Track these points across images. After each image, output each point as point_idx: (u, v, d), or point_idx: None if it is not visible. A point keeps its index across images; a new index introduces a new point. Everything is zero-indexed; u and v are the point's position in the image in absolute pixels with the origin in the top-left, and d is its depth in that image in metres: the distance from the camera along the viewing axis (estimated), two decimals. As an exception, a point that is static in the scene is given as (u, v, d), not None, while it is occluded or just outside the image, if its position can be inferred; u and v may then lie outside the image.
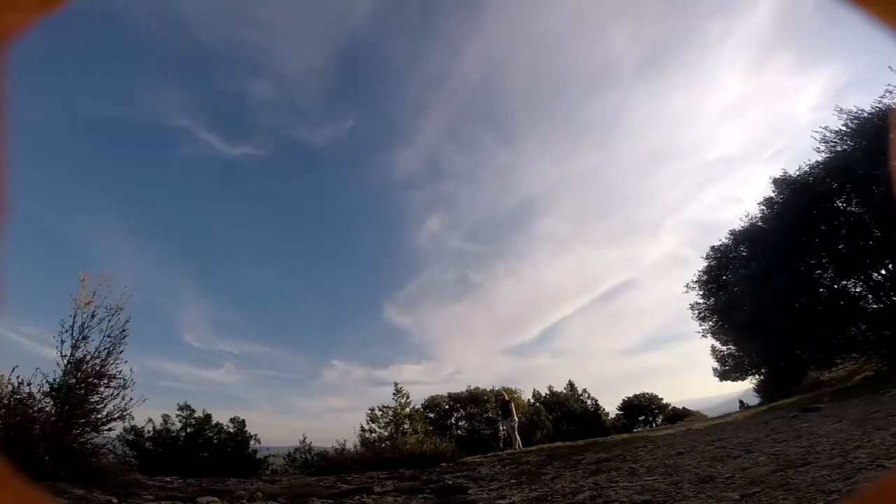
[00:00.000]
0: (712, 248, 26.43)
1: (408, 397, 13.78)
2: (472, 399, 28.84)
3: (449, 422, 28.66)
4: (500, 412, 16.95)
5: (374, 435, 12.72)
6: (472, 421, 27.85)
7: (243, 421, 11.81)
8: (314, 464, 10.35)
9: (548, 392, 24.72)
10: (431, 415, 28.82)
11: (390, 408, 13.32)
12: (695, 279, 28.02)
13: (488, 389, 29.12)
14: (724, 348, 41.33)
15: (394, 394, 13.52)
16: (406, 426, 13.18)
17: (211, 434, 11.17)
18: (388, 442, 11.03)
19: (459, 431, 27.93)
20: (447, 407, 29.05)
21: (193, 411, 11.10)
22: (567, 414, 21.50)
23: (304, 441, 11.71)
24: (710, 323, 26.57)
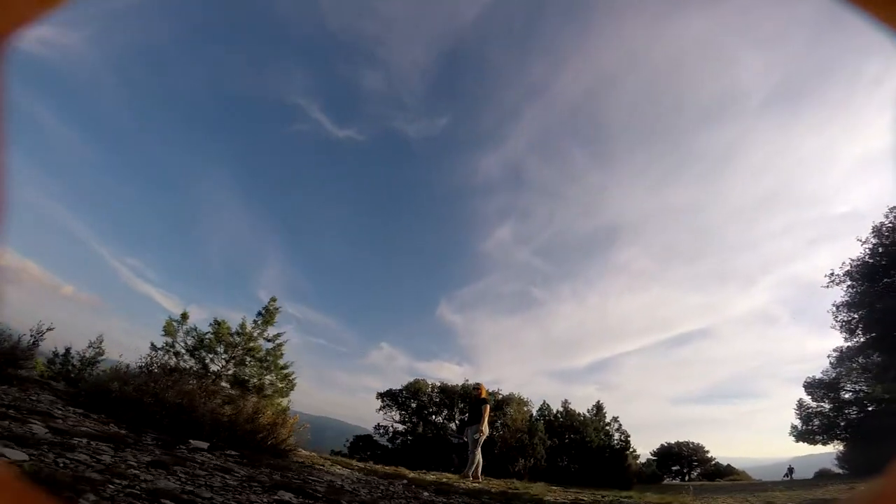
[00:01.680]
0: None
1: (275, 336, 8.19)
2: (466, 396, 23.06)
3: (433, 417, 23.09)
4: (466, 414, 11.29)
5: (167, 359, 7.17)
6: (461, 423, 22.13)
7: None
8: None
9: (561, 409, 18.25)
10: (413, 403, 23.45)
11: (225, 326, 7.73)
12: (842, 269, 20.04)
13: (491, 392, 23.12)
14: (814, 404, 32.78)
15: (259, 314, 7.99)
16: (251, 371, 7.57)
17: None
18: (176, 376, 5.77)
19: (443, 434, 22.32)
20: (437, 400, 23.45)
21: None
22: (577, 444, 14.98)
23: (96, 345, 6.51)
24: (859, 337, 18.70)
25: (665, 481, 28.59)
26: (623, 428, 17.05)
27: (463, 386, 22.78)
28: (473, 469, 10.02)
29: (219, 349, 7.21)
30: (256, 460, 4.88)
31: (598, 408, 17.87)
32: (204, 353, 7.11)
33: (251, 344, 7.35)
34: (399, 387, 22.53)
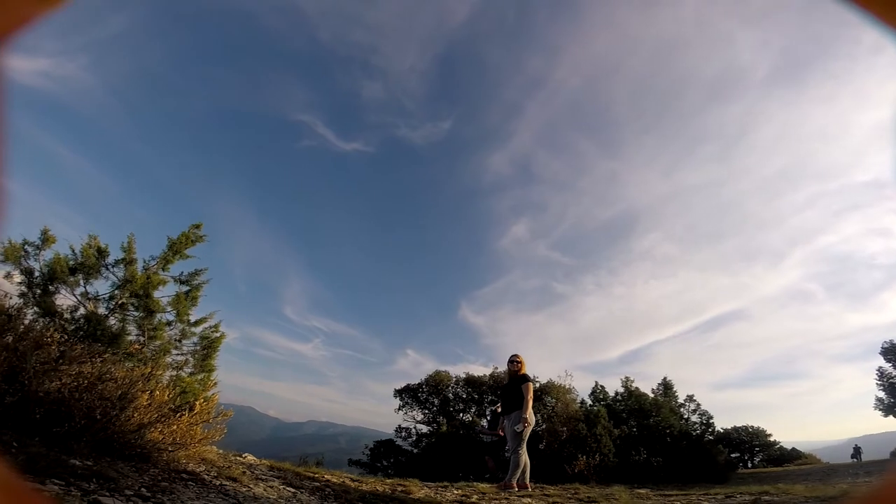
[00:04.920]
0: None
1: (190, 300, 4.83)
2: (497, 387, 19.52)
3: (460, 415, 19.57)
4: (499, 399, 7.83)
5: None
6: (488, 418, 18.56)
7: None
8: None
9: (622, 389, 14.33)
10: (435, 399, 20.00)
11: (92, 247, 4.55)
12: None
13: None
14: None
15: (169, 243, 4.75)
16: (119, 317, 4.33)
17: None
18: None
19: (473, 432, 18.80)
20: (463, 395, 19.93)
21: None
22: (652, 430, 11.15)
23: None
24: None
25: (739, 470, 24.43)
26: (703, 409, 13.29)
27: (492, 375, 19.22)
28: (519, 474, 6.58)
29: (72, 280, 4.10)
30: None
31: (667, 386, 14.12)
32: (51, 287, 4.00)
33: (133, 275, 4.18)
34: (418, 381, 19.10)
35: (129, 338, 4.03)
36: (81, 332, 3.75)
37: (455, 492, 5.26)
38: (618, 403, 12.93)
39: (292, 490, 3.44)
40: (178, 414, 3.58)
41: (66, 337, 3.71)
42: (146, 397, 3.12)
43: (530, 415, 6.79)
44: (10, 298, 3.99)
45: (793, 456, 35.65)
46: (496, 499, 5.25)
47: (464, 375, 19.35)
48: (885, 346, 28.99)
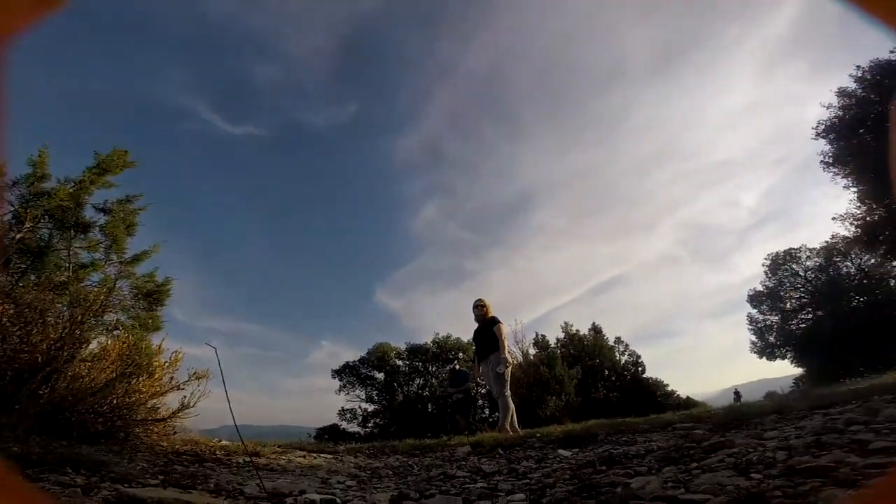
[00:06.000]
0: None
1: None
2: (441, 355, 19.36)
3: (405, 388, 19.16)
4: (473, 349, 7.58)
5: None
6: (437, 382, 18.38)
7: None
8: None
9: (564, 335, 14.93)
10: (379, 374, 19.40)
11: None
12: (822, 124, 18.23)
13: (465, 341, 19.47)
14: (762, 318, 32.21)
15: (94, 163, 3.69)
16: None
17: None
18: None
19: (422, 407, 18.46)
20: (403, 364, 19.49)
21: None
22: (597, 370, 11.75)
23: None
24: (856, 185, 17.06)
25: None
26: (631, 348, 14.39)
27: (433, 341, 18.81)
28: (511, 419, 6.36)
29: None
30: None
31: (597, 330, 15.04)
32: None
33: (43, 188, 3.03)
34: (359, 357, 18.22)
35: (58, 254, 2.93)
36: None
37: (464, 439, 4.87)
38: (566, 344, 13.45)
39: (329, 456, 2.76)
40: (132, 377, 2.59)
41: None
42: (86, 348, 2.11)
43: (510, 353, 6.74)
44: None
45: (689, 404, 40.73)
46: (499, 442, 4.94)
47: (405, 345, 18.86)
48: (751, 293, 32.93)
